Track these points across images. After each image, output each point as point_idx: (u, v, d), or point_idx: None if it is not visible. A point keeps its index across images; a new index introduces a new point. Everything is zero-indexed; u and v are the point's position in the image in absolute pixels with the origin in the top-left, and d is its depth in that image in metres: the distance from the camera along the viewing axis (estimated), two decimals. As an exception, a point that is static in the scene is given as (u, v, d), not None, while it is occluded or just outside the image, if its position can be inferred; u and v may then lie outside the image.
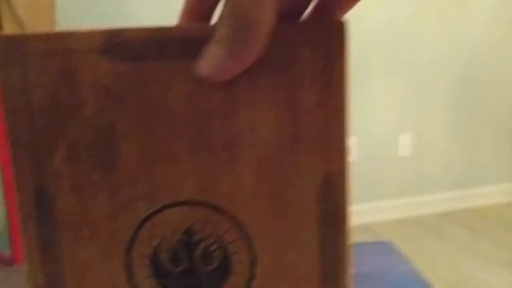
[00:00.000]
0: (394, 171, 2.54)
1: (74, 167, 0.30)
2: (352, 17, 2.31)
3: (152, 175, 0.30)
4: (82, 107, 0.29)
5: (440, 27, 2.45)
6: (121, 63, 0.29)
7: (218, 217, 0.31)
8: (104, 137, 0.30)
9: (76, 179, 0.31)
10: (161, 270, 0.32)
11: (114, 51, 0.29)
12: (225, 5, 0.23)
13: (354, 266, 0.63)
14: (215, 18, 0.29)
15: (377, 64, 2.41)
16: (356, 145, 2.46)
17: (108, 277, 0.32)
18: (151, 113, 0.29)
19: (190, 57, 0.28)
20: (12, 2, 1.70)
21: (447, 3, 2.43)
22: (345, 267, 0.33)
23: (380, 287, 0.59)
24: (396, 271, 0.62)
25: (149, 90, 0.29)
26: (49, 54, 0.28)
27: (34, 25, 1.76)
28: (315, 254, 0.32)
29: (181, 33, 0.28)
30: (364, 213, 2.50)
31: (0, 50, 0.28)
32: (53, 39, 0.28)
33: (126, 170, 0.30)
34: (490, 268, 2.03)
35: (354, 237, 2.32)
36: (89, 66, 0.29)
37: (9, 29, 1.67)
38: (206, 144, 0.30)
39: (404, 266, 0.63)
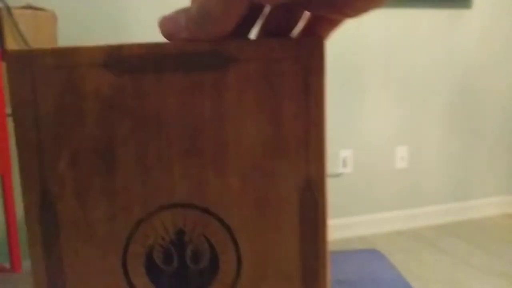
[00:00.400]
0: (391, 184, 2.56)
1: (76, 173, 0.33)
2: (347, 32, 2.35)
3: (147, 180, 0.33)
4: (85, 117, 0.32)
5: (435, 41, 2.49)
6: (121, 76, 0.31)
7: (207, 219, 0.33)
8: (104, 145, 0.32)
9: (78, 184, 0.33)
10: (155, 269, 0.34)
11: (115, 65, 0.31)
12: None
13: (343, 274, 0.65)
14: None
15: (373, 77, 2.44)
16: (353, 157, 2.48)
17: (106, 274, 0.34)
18: (146, 122, 0.32)
19: (183, 71, 0.31)
20: (15, 18, 1.74)
21: (441, 17, 2.48)
22: (324, 263, 0.35)
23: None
24: (384, 278, 0.64)
25: (146, 101, 0.32)
26: (56, 68, 0.31)
27: (36, 40, 1.79)
28: (296, 252, 0.34)
29: (175, 49, 0.31)
30: (361, 225, 2.51)
31: (10, 64, 0.31)
32: (60, 54, 0.31)
33: (124, 175, 0.33)
34: (486, 279, 2.04)
35: (350, 248, 2.33)
36: (92, 79, 0.31)
37: (13, 43, 1.70)
38: (197, 152, 0.32)
39: (392, 273, 0.65)
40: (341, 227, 2.47)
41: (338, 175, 2.48)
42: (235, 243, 0.34)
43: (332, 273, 0.65)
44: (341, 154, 2.46)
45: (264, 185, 0.33)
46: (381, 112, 2.48)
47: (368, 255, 0.69)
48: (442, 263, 2.19)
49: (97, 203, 0.33)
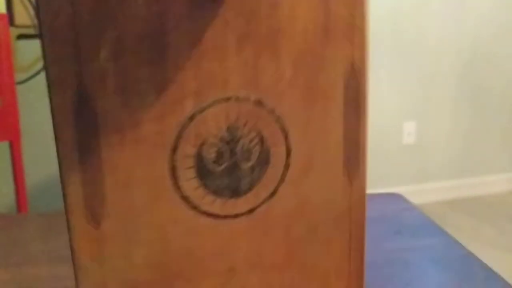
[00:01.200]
0: (398, 159, 2.55)
1: (119, 64, 0.28)
2: (358, 5, 2.31)
3: (200, 70, 0.30)
4: None
5: (445, 13, 2.45)
6: None
7: (259, 112, 0.31)
8: (153, 30, 0.28)
9: (122, 78, 0.29)
10: (205, 170, 0.31)
11: None
12: None
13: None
14: None
15: (382, 52, 2.42)
16: (361, 132, 2.47)
17: (152, 181, 0.31)
18: (202, 4, 0.29)
19: None
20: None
21: (452, -8, 2.44)
22: (364, 153, 0.34)
23: (390, 229, 0.60)
24: (407, 217, 0.63)
25: None
26: None
27: None
28: (340, 139, 0.33)
29: None
30: (368, 200, 2.51)
31: None
32: None
33: (175, 65, 0.29)
34: (494, 254, 2.04)
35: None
36: None
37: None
38: (252, 36, 0.30)
39: (416, 213, 0.64)
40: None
41: (346, 150, 2.46)
42: (285, 134, 0.32)
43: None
44: (349, 129, 2.44)
45: (314, 70, 0.31)
46: (389, 87, 2.46)
47: (390, 197, 0.68)
48: (450, 237, 2.19)
49: (144, 99, 0.29)
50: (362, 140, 0.34)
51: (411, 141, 2.55)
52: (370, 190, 2.52)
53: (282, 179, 0.33)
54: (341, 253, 0.36)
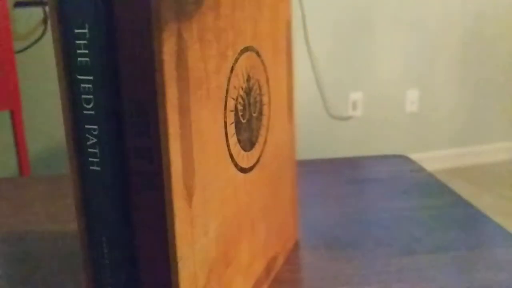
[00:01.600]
0: (401, 127, 2.55)
1: (199, 10, 0.26)
2: (361, -30, 2.28)
3: (234, 20, 0.29)
4: None
5: (450, -19, 2.41)
6: None
7: (257, 62, 0.33)
8: None
9: (199, 25, 0.26)
10: (239, 124, 0.31)
11: None
12: None
13: (372, 173, 0.64)
14: None
15: (384, 19, 2.38)
16: (363, 100, 2.46)
17: (215, 137, 0.29)
18: None
19: None
20: None
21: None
22: (292, 100, 0.39)
23: (397, 189, 0.60)
24: (414, 177, 0.63)
25: None
26: None
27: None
28: (285, 89, 0.37)
29: None
30: (370, 169, 2.52)
31: None
32: None
33: (225, 15, 0.29)
34: (493, 219, 2.06)
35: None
36: None
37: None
38: None
39: (422, 173, 0.64)
40: (350, 171, 2.46)
41: (347, 118, 2.46)
42: (269, 84, 0.34)
43: (359, 173, 0.64)
44: (351, 97, 2.43)
45: (275, 27, 0.34)
46: (392, 55, 2.44)
47: (397, 159, 0.68)
48: (451, 204, 2.21)
49: (210, 50, 0.27)
50: (292, 90, 0.37)
51: (414, 109, 2.54)
52: (371, 158, 2.52)
53: (267, 128, 0.34)
54: (291, 185, 0.42)
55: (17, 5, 1.89)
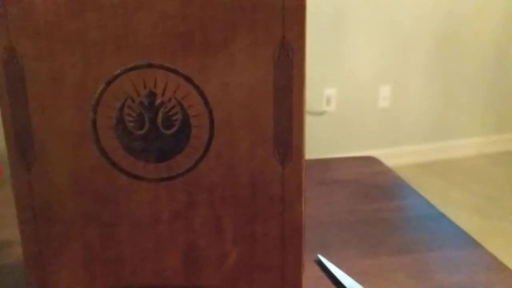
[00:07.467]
0: (373, 123, 2.59)
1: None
2: (336, -34, 2.29)
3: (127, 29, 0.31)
4: None
5: (423, -20, 2.45)
6: None
7: (177, 81, 0.32)
8: None
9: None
10: (126, 132, 0.33)
11: None
12: None
13: (340, 175, 0.66)
14: None
15: (358, 17, 2.41)
16: (336, 96, 2.49)
17: (76, 137, 0.33)
18: None
19: None
20: None
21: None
22: (299, 129, 0.34)
23: (364, 190, 0.62)
24: (380, 179, 0.65)
25: None
26: None
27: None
28: (271, 108, 0.33)
29: None
30: (343, 163, 2.55)
31: None
32: None
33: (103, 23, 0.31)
34: (461, 213, 2.12)
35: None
36: None
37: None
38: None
39: (389, 174, 0.67)
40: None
41: (321, 113, 2.49)
42: (207, 106, 0.32)
43: (328, 175, 0.66)
44: (325, 92, 2.46)
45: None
46: (366, 52, 2.47)
47: (365, 160, 0.70)
48: (420, 199, 2.26)
49: (69, 50, 0.31)
50: (296, 117, 0.33)
51: (386, 104, 2.58)
52: (345, 153, 2.56)
53: (206, 150, 0.34)
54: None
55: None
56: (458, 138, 2.77)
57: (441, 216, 0.57)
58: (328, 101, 2.48)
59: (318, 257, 0.47)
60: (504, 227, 2.02)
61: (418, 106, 2.65)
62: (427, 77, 2.62)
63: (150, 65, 0.32)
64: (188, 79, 0.32)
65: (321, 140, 2.50)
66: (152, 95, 0.32)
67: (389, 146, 2.65)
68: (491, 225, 2.02)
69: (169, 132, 0.33)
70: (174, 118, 0.33)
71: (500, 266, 0.47)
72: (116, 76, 0.32)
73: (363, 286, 0.43)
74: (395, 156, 2.65)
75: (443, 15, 2.55)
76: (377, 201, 0.59)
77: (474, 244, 0.51)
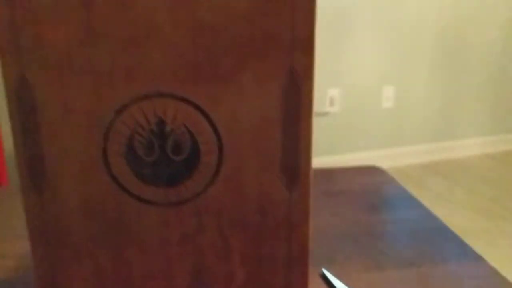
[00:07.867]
0: (377, 123, 2.59)
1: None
2: (339, -33, 2.29)
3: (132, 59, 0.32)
4: None
5: (426, -20, 2.45)
6: None
7: (187, 109, 0.33)
8: None
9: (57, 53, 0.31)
10: (136, 159, 0.34)
11: None
12: None
13: (344, 185, 0.67)
14: None
15: (362, 18, 2.41)
16: (340, 96, 2.49)
17: (87, 164, 0.34)
18: None
19: None
20: None
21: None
22: (307, 158, 0.34)
23: (368, 202, 0.63)
24: (385, 189, 0.66)
25: None
26: None
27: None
28: (279, 135, 0.34)
29: None
30: (346, 163, 2.56)
31: None
32: None
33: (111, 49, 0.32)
34: (465, 214, 2.13)
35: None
36: None
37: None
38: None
39: (394, 186, 0.67)
40: (327, 165, 2.51)
41: (325, 114, 2.49)
42: (217, 133, 0.33)
43: (333, 185, 0.67)
44: (328, 93, 2.46)
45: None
46: (369, 52, 2.47)
47: (369, 170, 0.70)
48: (425, 199, 2.27)
49: (80, 77, 0.32)
50: (305, 147, 0.34)
51: (390, 105, 2.58)
52: (349, 154, 2.56)
53: (215, 175, 0.34)
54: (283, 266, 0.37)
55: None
56: (462, 138, 2.77)
57: (446, 229, 0.57)
58: (332, 102, 2.48)
59: (322, 271, 0.48)
60: (509, 227, 2.02)
61: (422, 106, 2.65)
62: (431, 78, 2.62)
63: (160, 94, 0.32)
64: (198, 107, 0.33)
65: (324, 141, 2.51)
66: (162, 123, 0.33)
67: (392, 147, 2.65)
68: (496, 225, 2.03)
69: (178, 158, 0.33)
70: (184, 145, 0.33)
71: (503, 280, 0.47)
72: (126, 105, 0.32)
73: (367, 301, 0.44)
74: (399, 157, 2.65)
75: (447, 16, 2.55)
76: (382, 213, 0.60)
77: (477, 257, 0.51)
